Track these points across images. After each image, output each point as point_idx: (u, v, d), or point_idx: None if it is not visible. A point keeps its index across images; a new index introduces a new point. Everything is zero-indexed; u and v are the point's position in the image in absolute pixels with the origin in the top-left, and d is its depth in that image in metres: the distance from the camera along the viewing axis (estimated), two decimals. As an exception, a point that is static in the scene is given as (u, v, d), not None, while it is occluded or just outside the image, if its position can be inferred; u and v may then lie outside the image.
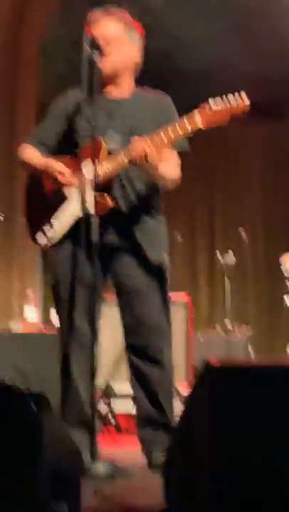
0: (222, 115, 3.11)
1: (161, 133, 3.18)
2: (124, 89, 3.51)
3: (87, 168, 3.27)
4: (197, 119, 3.14)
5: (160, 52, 7.35)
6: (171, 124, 3.20)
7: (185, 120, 3.16)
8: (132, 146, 3.17)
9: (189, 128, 3.16)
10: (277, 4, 7.59)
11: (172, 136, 3.18)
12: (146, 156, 3.15)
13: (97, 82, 3.26)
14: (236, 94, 3.09)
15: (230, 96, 3.09)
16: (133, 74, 3.56)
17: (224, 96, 3.09)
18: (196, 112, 3.14)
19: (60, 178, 3.35)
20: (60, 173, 3.35)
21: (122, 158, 3.23)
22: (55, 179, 3.37)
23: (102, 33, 3.39)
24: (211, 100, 3.11)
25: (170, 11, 7.45)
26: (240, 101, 3.09)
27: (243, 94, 3.09)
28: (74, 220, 3.34)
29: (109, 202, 3.27)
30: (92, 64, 3.24)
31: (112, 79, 3.47)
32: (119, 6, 3.54)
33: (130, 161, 3.20)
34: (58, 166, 3.37)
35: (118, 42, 3.44)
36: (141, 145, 3.15)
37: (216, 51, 8.08)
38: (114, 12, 3.50)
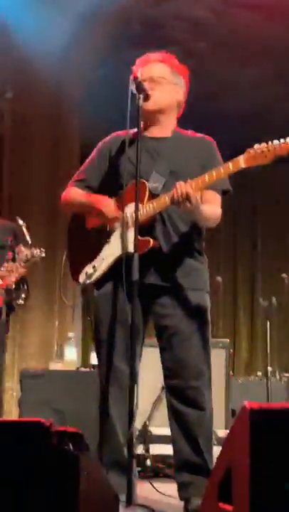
0: (265, 156, 3.11)
1: (206, 176, 3.21)
2: (166, 128, 3.55)
3: (130, 209, 3.28)
4: (241, 161, 3.15)
5: (206, 95, 7.39)
6: (215, 168, 3.22)
7: (230, 164, 3.19)
8: (176, 190, 3.19)
9: (232, 169, 3.18)
10: None
11: (215, 178, 3.21)
12: (189, 198, 3.16)
13: (141, 123, 3.29)
14: (282, 139, 3.10)
15: (275, 141, 3.10)
16: (176, 115, 3.60)
17: (269, 142, 3.11)
18: (240, 157, 3.16)
19: (106, 211, 3.37)
20: (106, 207, 3.38)
21: (165, 200, 3.26)
22: (101, 213, 3.39)
23: (149, 73, 3.46)
24: (256, 145, 3.13)
25: (216, 54, 7.50)
26: (284, 143, 3.09)
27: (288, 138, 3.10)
28: (115, 259, 3.36)
29: (151, 241, 3.28)
30: (136, 106, 3.28)
31: (155, 118, 3.50)
32: (165, 50, 3.60)
33: (172, 203, 3.22)
34: (104, 201, 3.42)
35: (163, 82, 3.49)
36: (184, 188, 3.17)
37: (261, 95, 8.11)
38: (161, 55, 3.56)
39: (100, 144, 3.65)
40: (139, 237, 3.21)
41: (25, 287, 5.18)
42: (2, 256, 5.25)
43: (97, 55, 7.78)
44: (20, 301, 5.07)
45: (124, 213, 3.36)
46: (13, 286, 5.00)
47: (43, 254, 5.03)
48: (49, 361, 5.98)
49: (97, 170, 3.58)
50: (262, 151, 3.11)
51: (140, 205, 3.28)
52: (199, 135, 3.61)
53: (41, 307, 7.73)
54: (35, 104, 8.04)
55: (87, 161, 3.66)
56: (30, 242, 4.99)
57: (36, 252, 5.07)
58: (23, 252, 5.02)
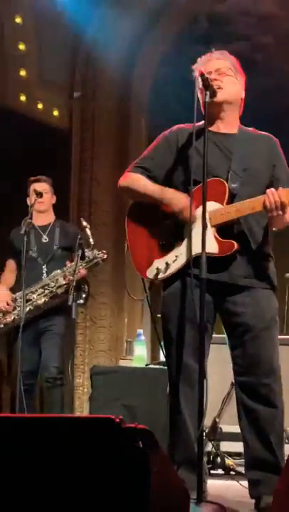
0: None
1: None
2: (231, 124, 3.52)
3: (209, 208, 3.23)
4: None
5: (273, 90, 7.33)
6: None
7: None
8: (269, 198, 3.18)
9: None
10: None
11: None
12: (284, 207, 3.17)
13: (208, 122, 3.28)
14: None
15: None
16: (239, 112, 3.57)
17: None
18: None
19: (184, 212, 3.31)
20: (184, 207, 3.31)
21: (254, 206, 3.25)
22: (175, 212, 3.35)
23: (215, 66, 3.45)
24: None
25: (283, 48, 7.43)
26: None
27: None
28: (189, 257, 3.32)
29: (235, 245, 3.26)
30: (203, 102, 3.27)
31: (221, 111, 3.46)
32: (230, 44, 3.60)
33: (265, 209, 3.22)
34: (182, 199, 3.35)
35: (231, 73, 3.47)
36: (278, 197, 3.17)
37: None
38: (225, 54, 3.55)
39: (165, 132, 3.57)
40: (221, 239, 3.23)
41: (86, 288, 5.23)
42: (62, 257, 5.34)
43: (164, 52, 7.79)
44: (80, 301, 5.12)
45: (203, 212, 3.28)
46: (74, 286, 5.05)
47: (105, 257, 5.08)
48: (119, 358, 6.02)
49: (163, 160, 3.51)
50: None
51: (220, 206, 3.27)
52: (263, 133, 3.58)
53: (110, 304, 7.80)
54: (103, 103, 8.11)
55: (151, 148, 3.58)
56: (92, 243, 5.04)
57: (98, 254, 5.13)
58: (86, 253, 5.10)
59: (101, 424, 1.89)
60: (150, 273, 3.43)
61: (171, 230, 3.42)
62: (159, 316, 3.54)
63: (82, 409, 7.34)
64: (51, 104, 8.13)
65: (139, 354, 5.44)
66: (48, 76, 8.01)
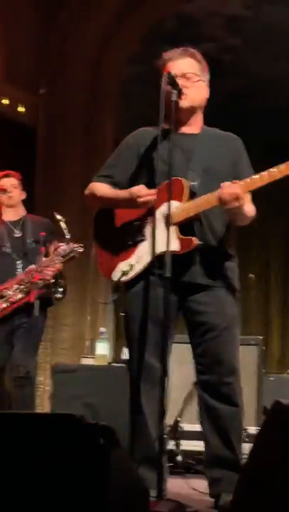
0: None
1: (257, 177, 3.20)
2: (195, 126, 3.54)
3: (171, 206, 3.24)
4: None
5: (240, 91, 7.38)
6: (268, 170, 3.20)
7: (284, 166, 3.16)
8: (223, 190, 3.19)
9: (285, 173, 3.15)
10: None
11: (268, 180, 3.19)
12: (238, 199, 3.16)
13: (174, 120, 3.29)
14: None
15: None
16: (202, 112, 3.59)
17: None
18: None
19: (142, 200, 3.30)
20: (142, 193, 3.31)
21: (210, 200, 3.25)
22: (142, 202, 3.32)
23: (181, 69, 3.44)
24: None
25: (250, 49, 7.48)
26: None
27: None
28: (154, 257, 3.33)
29: (194, 240, 3.27)
30: (169, 101, 3.28)
31: (187, 116, 3.49)
32: (198, 45, 3.59)
33: (220, 203, 3.21)
34: (137, 188, 3.34)
35: (196, 79, 3.48)
36: (234, 189, 3.17)
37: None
38: (191, 51, 3.54)
39: (127, 138, 3.60)
40: (182, 236, 3.23)
41: (63, 282, 5.21)
42: (36, 251, 5.29)
43: (132, 51, 7.80)
44: (59, 295, 5.10)
45: (162, 211, 3.31)
46: (52, 281, 5.04)
47: (81, 250, 5.05)
48: (81, 356, 6.00)
49: (124, 165, 3.53)
50: None
51: (179, 204, 3.28)
52: (226, 133, 3.60)
53: (73, 302, 7.77)
54: (69, 100, 8.08)
55: (114, 155, 3.61)
56: (68, 237, 5.00)
57: (74, 247, 5.09)
58: (61, 247, 5.05)
59: (62, 421, 1.89)
60: (115, 275, 3.44)
61: (133, 231, 3.43)
62: (122, 314, 3.55)
63: (42, 407, 7.31)
64: (17, 99, 8.08)
65: (101, 353, 5.44)
66: (15, 71, 7.96)
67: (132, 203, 3.35)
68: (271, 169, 3.19)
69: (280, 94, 7.97)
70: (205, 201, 3.27)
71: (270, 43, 7.39)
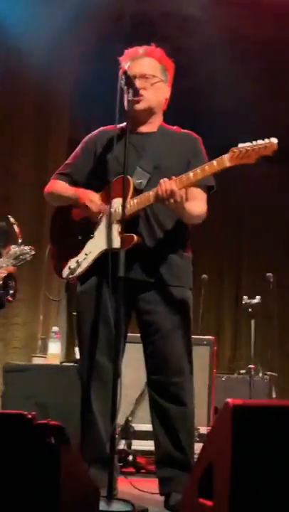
0: (250, 156, 3.13)
1: (190, 173, 3.21)
2: (152, 125, 3.56)
3: (115, 204, 3.29)
4: (225, 160, 3.16)
5: (194, 92, 7.40)
6: (200, 166, 3.23)
7: (214, 162, 3.20)
8: (160, 186, 3.19)
9: (217, 167, 3.19)
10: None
11: (200, 176, 3.22)
12: (173, 195, 3.17)
13: (130, 119, 3.30)
14: (266, 139, 3.11)
15: (259, 140, 3.11)
16: (161, 111, 3.60)
17: (254, 141, 3.12)
18: (225, 156, 3.17)
19: (91, 205, 3.38)
20: (92, 201, 3.39)
21: (149, 197, 3.26)
22: (86, 207, 3.39)
23: (140, 70, 3.45)
24: (240, 144, 3.14)
25: (204, 50, 7.50)
26: (269, 143, 3.10)
27: (273, 138, 3.11)
28: (98, 254, 3.36)
29: (135, 238, 3.28)
30: (124, 100, 3.28)
31: (144, 117, 3.50)
32: (154, 45, 3.59)
33: (157, 200, 3.22)
34: (90, 195, 3.42)
35: (155, 80, 3.49)
36: (169, 185, 3.17)
37: (247, 92, 8.11)
38: (152, 50, 3.55)
39: (86, 138, 3.64)
40: (123, 234, 3.22)
41: (14, 284, 5.16)
42: None
43: (86, 50, 7.76)
44: (9, 298, 5.06)
45: (109, 209, 3.36)
46: (1, 283, 4.99)
47: (33, 252, 5.02)
48: (33, 355, 5.96)
49: (82, 165, 3.57)
50: (246, 150, 3.12)
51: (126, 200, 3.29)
52: (185, 131, 3.61)
53: (26, 301, 7.70)
54: (24, 98, 8.00)
55: (73, 155, 3.65)
56: (20, 241, 4.98)
57: (26, 250, 5.06)
58: (13, 249, 5.03)
59: (12, 420, 1.88)
60: (64, 273, 3.46)
61: (83, 229, 3.45)
62: (74, 313, 3.54)
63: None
64: None
65: (53, 352, 5.41)
66: None
67: (79, 203, 3.43)
68: (203, 165, 3.25)
69: (234, 96, 8.02)
70: (145, 198, 3.30)
71: (224, 45, 7.43)
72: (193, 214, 3.40)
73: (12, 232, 4.98)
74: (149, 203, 3.29)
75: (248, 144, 3.13)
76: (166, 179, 3.21)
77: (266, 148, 3.10)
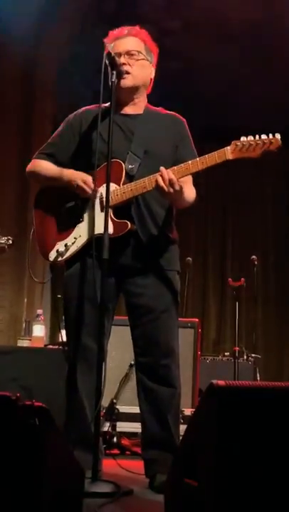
0: (254, 150, 3.10)
1: (190, 164, 3.19)
2: (138, 106, 3.54)
3: (106, 189, 3.25)
4: (228, 153, 3.14)
5: (178, 74, 7.38)
6: (201, 157, 3.20)
7: (215, 154, 3.17)
8: (160, 177, 3.18)
9: (218, 160, 3.16)
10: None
11: (200, 167, 3.19)
12: (173, 185, 3.16)
13: (114, 101, 3.28)
14: (270, 134, 3.09)
15: (263, 135, 3.09)
16: (146, 92, 3.59)
17: (257, 135, 3.10)
18: (227, 148, 3.14)
19: (84, 186, 3.34)
20: (85, 181, 3.35)
21: (145, 185, 3.24)
22: (79, 188, 3.36)
23: (125, 47, 3.44)
24: (243, 137, 3.12)
25: (189, 33, 7.47)
26: (273, 139, 3.08)
27: (277, 134, 3.09)
28: (88, 239, 3.35)
29: (129, 224, 3.27)
30: (108, 80, 3.27)
31: (129, 96, 3.49)
32: (138, 26, 3.58)
33: (157, 189, 3.21)
34: (82, 175, 3.38)
35: (140, 57, 3.47)
36: (169, 175, 3.17)
37: (232, 74, 8.09)
38: (137, 30, 3.54)
39: (70, 116, 3.60)
40: (116, 220, 3.22)
41: None
42: None
43: (70, 31, 7.71)
44: None
45: (99, 193, 3.34)
46: None
47: (10, 242, 5.02)
48: (17, 338, 5.96)
49: (66, 144, 3.54)
50: (250, 144, 3.10)
51: (117, 186, 3.27)
52: (170, 112, 3.60)
53: (11, 284, 7.69)
54: (6, 80, 7.94)
55: (56, 134, 3.61)
56: None
57: (2, 239, 5.06)
58: None
59: (-4, 402, 1.87)
60: (52, 256, 3.44)
61: (71, 212, 3.43)
62: (59, 296, 3.53)
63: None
64: None
65: (38, 335, 5.40)
66: None
67: (73, 186, 3.36)
68: (204, 156, 3.21)
69: (220, 79, 8.01)
70: (141, 186, 3.27)
71: (211, 27, 7.41)
72: (187, 200, 3.41)
73: None
74: (145, 190, 3.28)
75: (251, 137, 3.11)
76: (164, 169, 3.20)
77: (271, 143, 3.08)
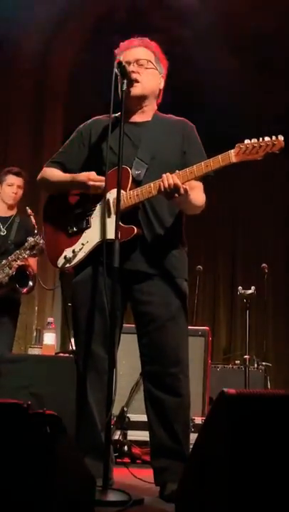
0: (257, 152, 3.11)
1: (194, 168, 3.20)
2: (146, 114, 3.55)
3: (113, 195, 3.28)
4: (231, 156, 3.15)
5: (189, 83, 7.40)
6: (205, 161, 3.22)
7: (219, 157, 3.18)
8: (163, 181, 3.19)
9: (222, 163, 3.17)
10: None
11: (204, 171, 3.20)
12: (177, 190, 3.17)
13: (124, 110, 3.29)
14: (273, 136, 3.10)
15: (266, 137, 3.10)
16: (156, 101, 3.60)
17: (260, 138, 3.11)
18: (231, 151, 3.15)
19: (92, 183, 3.35)
20: (93, 179, 3.36)
21: (151, 190, 3.25)
22: (87, 187, 3.37)
23: (135, 56, 3.47)
24: (246, 140, 3.13)
25: (200, 42, 7.50)
26: (276, 140, 3.09)
27: (280, 136, 3.10)
28: (95, 245, 3.36)
29: (135, 230, 3.28)
30: (119, 89, 3.29)
31: (138, 105, 3.50)
32: (149, 37, 3.61)
33: (159, 193, 3.22)
34: (90, 174, 3.38)
35: (150, 66, 3.49)
36: (173, 180, 3.17)
37: (239, 85, 8.12)
38: (145, 41, 3.56)
39: (80, 126, 3.62)
40: (122, 225, 3.22)
41: (30, 275, 5.23)
42: (13, 251, 5.31)
43: (82, 40, 7.75)
44: (24, 290, 5.18)
45: (107, 199, 3.36)
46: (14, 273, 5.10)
47: (42, 241, 5.07)
48: (28, 346, 5.97)
49: (76, 153, 3.56)
50: (253, 146, 3.11)
51: (123, 192, 3.28)
52: (179, 118, 3.61)
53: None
54: (17, 90, 7.99)
55: (66, 143, 3.63)
56: (36, 231, 5.08)
57: (37, 238, 5.13)
58: (28, 240, 5.12)
59: (8, 409, 1.88)
60: (60, 262, 3.45)
61: (78, 219, 3.44)
62: (70, 304, 3.54)
63: (-11, 397, 7.24)
64: None
65: (49, 343, 5.41)
66: None
67: (84, 185, 3.39)
68: (208, 160, 3.22)
69: (227, 88, 8.03)
70: (146, 191, 3.28)
71: (219, 37, 7.44)
72: (196, 205, 3.41)
73: (29, 223, 5.08)
74: (150, 195, 3.28)
75: (254, 140, 3.12)
76: (168, 174, 3.20)
77: (274, 145, 3.09)
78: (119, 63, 3.28)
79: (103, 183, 3.32)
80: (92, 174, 3.37)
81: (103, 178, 3.32)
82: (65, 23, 7.63)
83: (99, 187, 3.35)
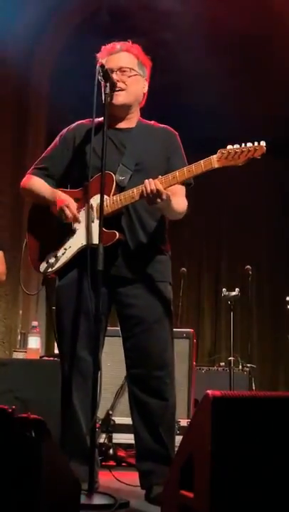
0: (239, 158, 3.13)
1: (177, 173, 3.21)
2: (130, 120, 3.56)
3: (96, 200, 3.28)
4: (213, 161, 3.16)
5: (171, 86, 7.41)
6: (187, 166, 3.23)
7: (201, 163, 3.19)
8: (145, 186, 3.20)
9: (204, 169, 3.19)
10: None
11: (186, 176, 3.22)
12: (159, 195, 3.17)
13: (107, 114, 3.29)
14: (255, 142, 3.12)
15: (248, 143, 3.12)
16: (139, 106, 3.61)
17: (243, 144, 3.13)
18: (213, 157, 3.17)
19: (66, 211, 3.36)
20: (68, 206, 3.37)
21: (133, 194, 3.26)
22: (61, 211, 3.38)
23: (118, 63, 3.46)
24: (228, 146, 3.14)
25: (182, 45, 7.51)
26: (258, 146, 3.11)
27: (262, 142, 3.12)
28: (78, 249, 3.36)
29: (117, 234, 3.28)
30: (101, 94, 3.29)
31: (122, 112, 3.50)
32: (132, 40, 3.60)
33: (141, 198, 3.23)
34: (67, 200, 3.39)
35: (133, 73, 3.49)
36: (154, 185, 3.18)
37: (223, 86, 8.13)
38: (128, 45, 3.55)
39: (63, 131, 3.62)
40: (105, 230, 3.22)
41: None
42: None
43: (64, 44, 7.74)
44: None
45: (90, 204, 3.35)
46: None
47: None
48: (13, 350, 5.96)
49: (60, 158, 3.56)
50: (235, 152, 3.13)
51: (106, 197, 3.28)
52: (162, 126, 3.62)
53: (5, 296, 7.70)
54: (1, 91, 7.95)
55: (50, 148, 3.63)
56: None
57: None
58: None
59: (-8, 414, 1.88)
60: (42, 267, 3.45)
61: (62, 224, 3.43)
62: (54, 308, 3.54)
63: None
64: None
65: (33, 346, 5.40)
66: None
67: (54, 207, 3.40)
68: (190, 165, 3.24)
69: (210, 91, 8.04)
70: (129, 196, 3.30)
71: (201, 39, 7.44)
72: (178, 210, 3.42)
73: None
74: (133, 200, 3.29)
75: (237, 146, 3.14)
76: (150, 179, 3.21)
77: (255, 151, 3.11)
78: (102, 66, 3.27)
79: (73, 217, 3.35)
80: (71, 204, 3.38)
81: (76, 212, 3.35)
82: (47, 23, 7.62)
83: (66, 216, 3.36)
